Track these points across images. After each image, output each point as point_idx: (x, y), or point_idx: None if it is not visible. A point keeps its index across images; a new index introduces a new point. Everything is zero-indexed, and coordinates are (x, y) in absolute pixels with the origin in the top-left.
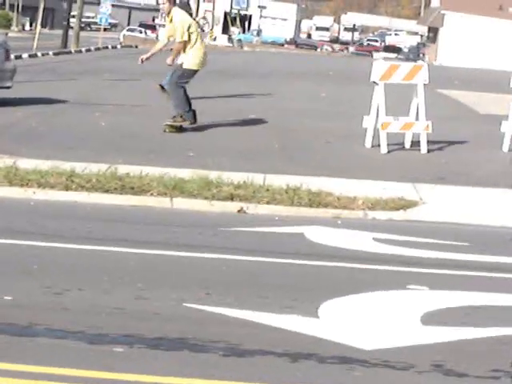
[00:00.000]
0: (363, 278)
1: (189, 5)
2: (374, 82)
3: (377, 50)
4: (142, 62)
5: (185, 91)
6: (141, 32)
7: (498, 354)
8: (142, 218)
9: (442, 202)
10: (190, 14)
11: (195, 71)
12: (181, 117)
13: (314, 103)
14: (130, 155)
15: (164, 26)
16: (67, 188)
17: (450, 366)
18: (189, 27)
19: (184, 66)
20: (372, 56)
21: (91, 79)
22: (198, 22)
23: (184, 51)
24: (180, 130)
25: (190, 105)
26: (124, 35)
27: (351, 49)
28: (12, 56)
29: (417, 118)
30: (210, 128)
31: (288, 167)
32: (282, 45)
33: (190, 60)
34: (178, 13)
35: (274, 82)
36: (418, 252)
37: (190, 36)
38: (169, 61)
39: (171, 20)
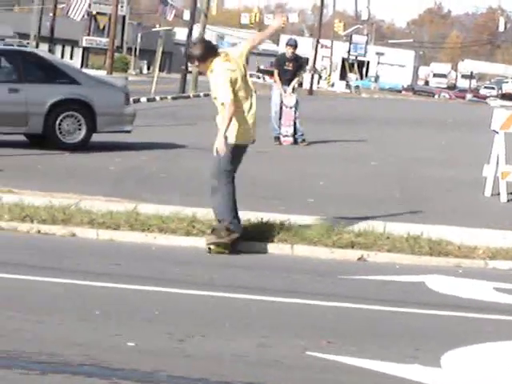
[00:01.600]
0: (485, 328)
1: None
2: (494, 131)
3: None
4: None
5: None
6: (258, 77)
7: None
8: (262, 265)
9: None
10: None
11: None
12: (227, 229)
13: (434, 151)
14: (251, 201)
15: None
16: (188, 233)
17: None
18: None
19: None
20: (488, 103)
21: (210, 124)
22: (315, 69)
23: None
24: (231, 249)
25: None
26: None
27: (469, 96)
28: (131, 100)
29: None
30: (329, 174)
31: (408, 215)
32: (400, 91)
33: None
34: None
35: (392, 129)
36: None
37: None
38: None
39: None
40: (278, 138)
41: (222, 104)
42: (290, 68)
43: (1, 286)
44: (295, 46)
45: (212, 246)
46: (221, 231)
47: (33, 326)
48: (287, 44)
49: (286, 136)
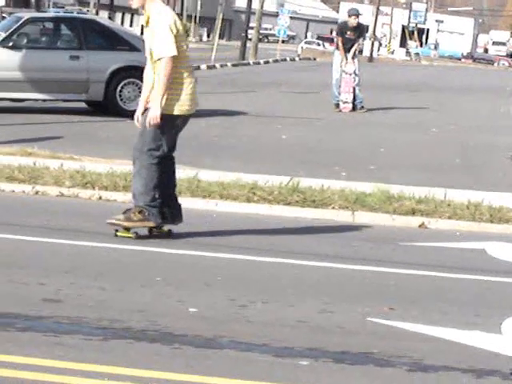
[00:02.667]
0: None
1: None
2: None
3: None
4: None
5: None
6: (318, 44)
7: None
8: (324, 231)
9: None
10: None
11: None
12: (140, 212)
13: (494, 118)
14: (311, 168)
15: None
16: (249, 200)
17: None
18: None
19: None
20: None
21: (270, 91)
22: (375, 36)
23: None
24: (136, 236)
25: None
26: (302, 48)
27: None
28: None
29: None
30: (390, 141)
31: (469, 182)
32: (459, 59)
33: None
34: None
35: (452, 96)
36: None
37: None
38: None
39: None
40: (337, 105)
41: (159, 60)
42: (352, 36)
43: (65, 252)
44: (358, 15)
45: (118, 232)
46: (133, 213)
47: (95, 292)
48: (350, 14)
49: (346, 102)
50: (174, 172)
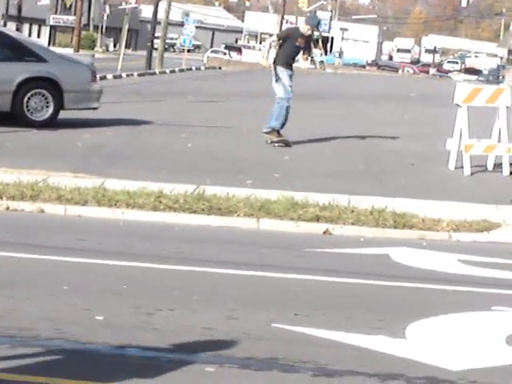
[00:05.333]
0: (449, 299)
1: None
2: (457, 105)
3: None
4: None
5: None
6: (225, 54)
7: None
8: (229, 238)
9: None
10: None
11: None
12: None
13: (398, 125)
14: (217, 176)
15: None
16: (155, 208)
17: None
18: None
19: None
20: (451, 77)
21: (176, 100)
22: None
23: None
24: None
25: None
26: (208, 57)
27: (432, 70)
28: (97, 77)
29: (499, 141)
30: (295, 149)
31: (373, 189)
32: (364, 66)
33: None
34: None
35: (357, 104)
36: (502, 273)
37: None
38: None
39: None
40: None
41: None
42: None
43: None
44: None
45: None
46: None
47: (3, 301)
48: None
49: None
50: None
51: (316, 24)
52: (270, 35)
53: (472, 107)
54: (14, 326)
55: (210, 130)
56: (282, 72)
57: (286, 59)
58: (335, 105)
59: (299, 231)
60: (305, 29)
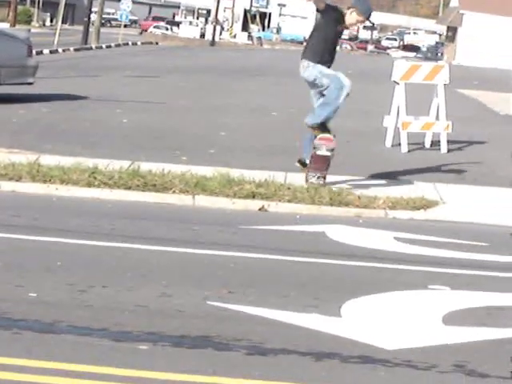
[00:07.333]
0: (385, 277)
1: None
2: (395, 82)
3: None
4: None
5: None
6: (167, 29)
7: None
8: (164, 215)
9: (462, 201)
10: None
11: None
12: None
13: None
14: (152, 153)
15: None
16: (90, 185)
17: (471, 367)
18: None
19: None
20: (389, 54)
21: (112, 75)
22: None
23: None
24: None
25: None
26: (151, 32)
27: (370, 47)
28: (34, 52)
29: (437, 118)
30: (231, 125)
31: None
32: (302, 42)
33: None
34: None
35: (294, 80)
36: (438, 252)
37: None
38: None
39: None
40: None
41: None
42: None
43: None
44: None
45: None
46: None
47: None
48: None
49: None
50: None
51: None
52: (208, 11)
53: (410, 84)
54: None
55: (146, 106)
56: None
57: None
58: (271, 81)
59: (235, 208)
60: None
